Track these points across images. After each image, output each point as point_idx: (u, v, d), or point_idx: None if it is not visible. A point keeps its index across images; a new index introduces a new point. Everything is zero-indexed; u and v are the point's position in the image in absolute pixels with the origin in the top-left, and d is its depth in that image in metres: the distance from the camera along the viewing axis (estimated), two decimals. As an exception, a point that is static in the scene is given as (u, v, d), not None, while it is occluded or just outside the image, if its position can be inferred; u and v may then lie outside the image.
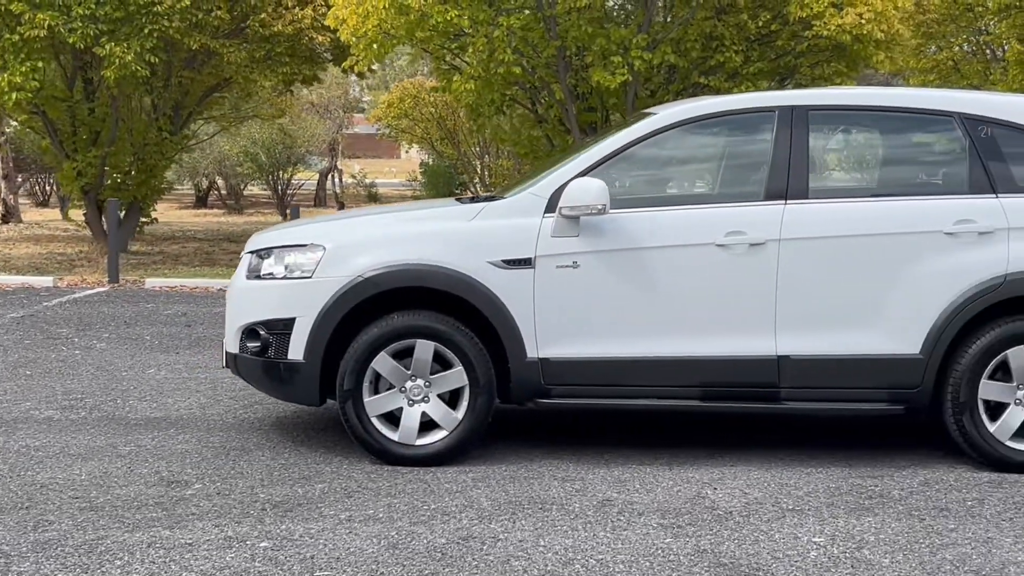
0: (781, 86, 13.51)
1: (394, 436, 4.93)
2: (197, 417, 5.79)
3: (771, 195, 5.00)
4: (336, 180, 34.81)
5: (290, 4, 15.58)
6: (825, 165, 5.21)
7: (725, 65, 12.76)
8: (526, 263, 4.91)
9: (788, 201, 4.97)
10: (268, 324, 4.99)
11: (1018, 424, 4.95)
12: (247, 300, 5.15)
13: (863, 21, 12.15)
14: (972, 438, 4.94)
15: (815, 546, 4.00)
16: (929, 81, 18.91)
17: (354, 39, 12.68)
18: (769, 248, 4.93)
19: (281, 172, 31.30)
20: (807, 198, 4.99)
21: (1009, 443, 4.95)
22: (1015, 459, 4.95)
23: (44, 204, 29.61)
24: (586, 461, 5.05)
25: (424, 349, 4.89)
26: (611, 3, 13.50)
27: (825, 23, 12.19)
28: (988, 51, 19.72)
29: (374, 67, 16.57)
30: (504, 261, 4.91)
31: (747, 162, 5.21)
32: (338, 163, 34.89)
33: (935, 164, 5.24)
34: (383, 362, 4.90)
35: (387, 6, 11.92)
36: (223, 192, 33.05)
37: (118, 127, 16.18)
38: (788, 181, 4.99)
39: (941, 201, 5.01)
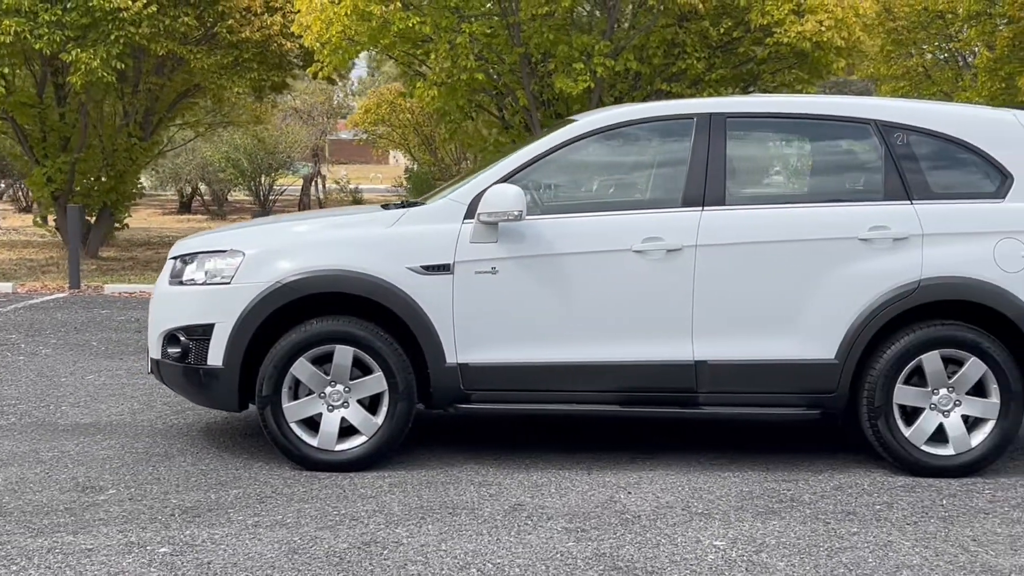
0: (745, 93, 13.58)
1: (313, 442, 4.94)
2: (127, 423, 5.80)
3: (688, 202, 5.04)
4: (320, 186, 34.85)
5: (259, 11, 15.63)
6: (743, 172, 5.24)
7: (687, 72, 12.83)
8: (445, 269, 4.94)
9: (705, 208, 5.01)
10: (188, 330, 5.00)
11: (933, 429, 4.99)
12: (168, 306, 5.17)
13: (823, 28, 12.24)
14: (887, 442, 4.99)
15: (715, 549, 4.03)
16: (899, 88, 19.05)
17: (318, 45, 12.73)
18: (686, 254, 4.97)
19: (263, 178, 31.37)
20: (724, 204, 5.03)
21: (924, 447, 4.99)
22: (930, 463, 4.99)
23: (26, 210, 29.55)
24: (507, 466, 5.08)
25: (343, 355, 4.92)
26: (577, 10, 13.54)
27: (785, 30, 12.28)
28: (960, 58, 19.87)
29: (343, 73, 16.62)
30: (423, 267, 4.94)
31: (666, 169, 5.25)
32: (322, 168, 34.92)
33: (852, 171, 5.29)
34: (302, 368, 4.92)
35: (349, 13, 11.96)
36: (206, 198, 33.06)
37: (88, 133, 16.19)
38: (705, 188, 5.04)
39: (856, 208, 5.06)
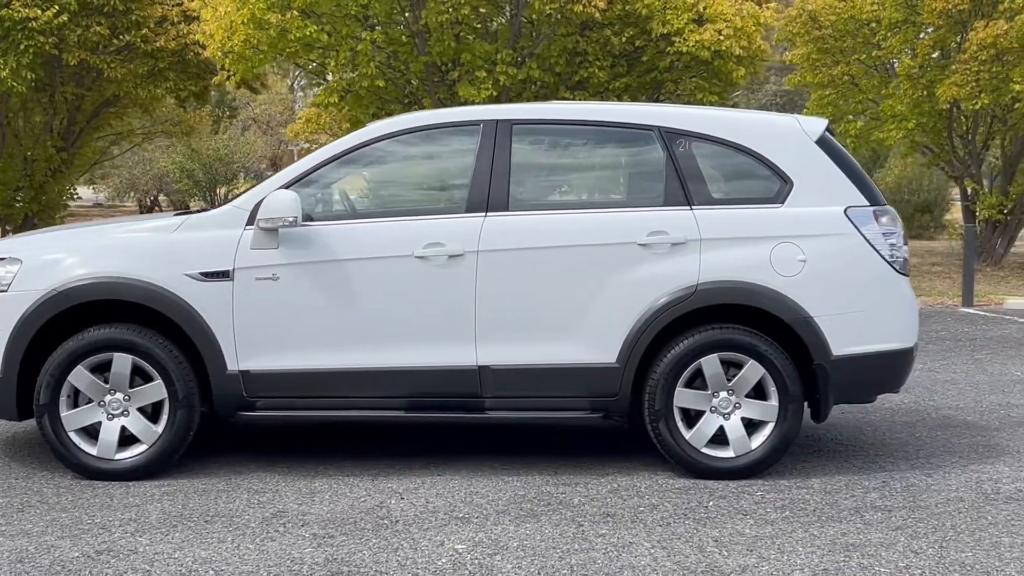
0: (652, 101, 13.69)
1: (92, 450, 4.93)
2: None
3: (472, 207, 5.07)
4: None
5: (175, 20, 15.62)
6: (528, 178, 5.27)
7: (590, 80, 12.93)
8: (224, 275, 4.95)
9: (488, 213, 5.05)
10: (-34, 338, 4.99)
11: (713, 431, 5.05)
12: (-50, 315, 5.15)
13: (722, 37, 12.37)
14: (668, 445, 5.03)
15: (453, 553, 4.05)
16: (825, 96, 19.23)
17: (220, 54, 12.74)
18: (468, 259, 4.99)
19: (220, 188, 31.31)
20: (507, 210, 5.07)
21: (705, 449, 5.04)
22: (711, 465, 5.03)
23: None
24: (295, 473, 5.08)
25: (122, 362, 4.91)
26: (483, 20, 13.62)
27: (684, 39, 12.41)
28: (888, 67, 20.07)
29: (263, 82, 16.60)
30: (202, 274, 4.94)
31: (451, 175, 5.29)
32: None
33: (635, 177, 5.34)
34: (80, 376, 4.90)
35: (246, 21, 11.98)
36: (164, 208, 32.99)
37: (6, 144, 16.11)
38: (489, 194, 5.07)
39: (636, 213, 5.10)
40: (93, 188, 35.36)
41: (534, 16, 13.01)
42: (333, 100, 12.77)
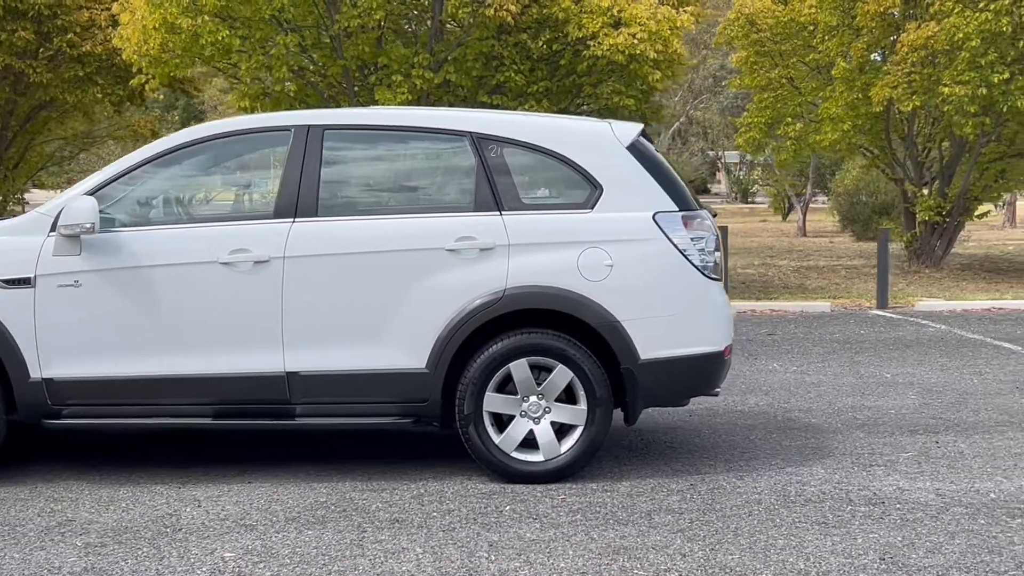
0: (573, 104, 13.70)
1: None
2: None
3: (280, 213, 5.06)
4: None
5: (103, 24, 15.54)
6: (338, 184, 5.26)
7: (508, 84, 12.91)
8: (26, 282, 4.92)
9: (297, 219, 5.03)
10: None
11: (523, 435, 5.04)
12: None
13: (636, 41, 12.37)
14: (478, 449, 5.02)
15: (217, 561, 4.03)
16: (764, 99, 19.30)
17: (136, 58, 12.68)
18: (274, 265, 4.98)
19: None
20: (316, 216, 5.06)
21: (515, 454, 5.04)
22: (521, 469, 5.03)
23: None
24: (108, 481, 5.06)
25: (-78, 371, 4.89)
26: (404, 23, 13.60)
27: (599, 43, 12.40)
28: (827, 69, 20.16)
29: (198, 85, 16.51)
30: (3, 281, 4.91)
31: (261, 181, 5.29)
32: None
33: (446, 183, 5.33)
34: None
35: (158, 26, 11.93)
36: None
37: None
38: (298, 199, 5.06)
39: (445, 218, 5.09)
40: (59, 191, 35.21)
41: (450, 21, 13.00)
42: (245, 104, 12.75)
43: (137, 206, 5.19)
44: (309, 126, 5.15)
